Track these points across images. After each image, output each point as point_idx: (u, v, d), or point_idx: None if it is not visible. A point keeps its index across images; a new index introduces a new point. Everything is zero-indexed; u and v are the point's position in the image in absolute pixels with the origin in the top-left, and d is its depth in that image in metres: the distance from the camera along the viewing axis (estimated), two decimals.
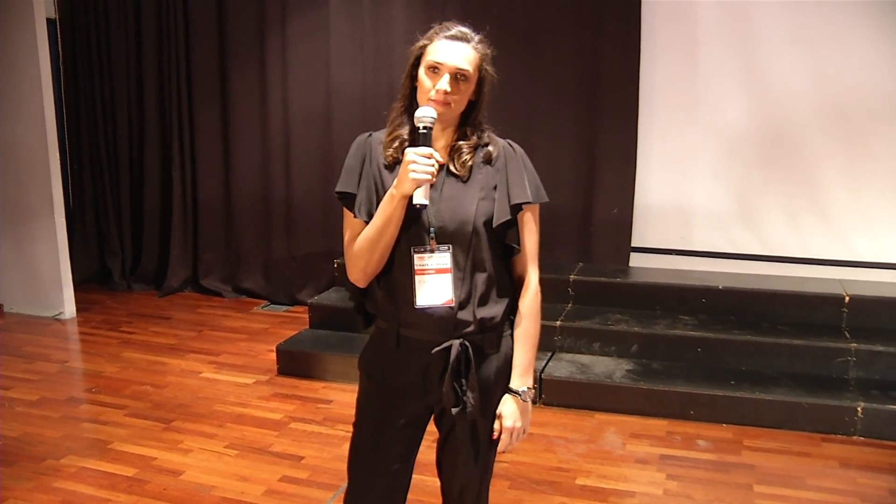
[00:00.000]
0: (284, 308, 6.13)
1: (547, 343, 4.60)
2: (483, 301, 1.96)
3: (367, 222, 1.95)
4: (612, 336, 4.56)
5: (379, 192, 1.96)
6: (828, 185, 5.03)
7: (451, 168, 1.96)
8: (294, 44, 5.95)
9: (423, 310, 1.92)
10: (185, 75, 6.27)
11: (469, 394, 1.95)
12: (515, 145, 2.04)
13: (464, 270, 1.94)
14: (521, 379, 2.02)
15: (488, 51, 1.97)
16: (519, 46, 5.27)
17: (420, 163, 1.82)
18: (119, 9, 6.35)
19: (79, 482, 3.42)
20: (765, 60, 5.03)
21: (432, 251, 1.92)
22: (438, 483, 2.20)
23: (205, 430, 3.96)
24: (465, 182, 1.95)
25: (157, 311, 6.03)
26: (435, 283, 1.92)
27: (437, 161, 1.87)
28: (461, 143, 1.97)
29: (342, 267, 1.99)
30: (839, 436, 3.91)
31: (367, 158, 2.00)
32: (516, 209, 1.96)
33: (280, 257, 6.23)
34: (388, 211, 1.89)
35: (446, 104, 1.89)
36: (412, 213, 1.90)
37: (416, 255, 1.92)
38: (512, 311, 2.04)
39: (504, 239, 1.98)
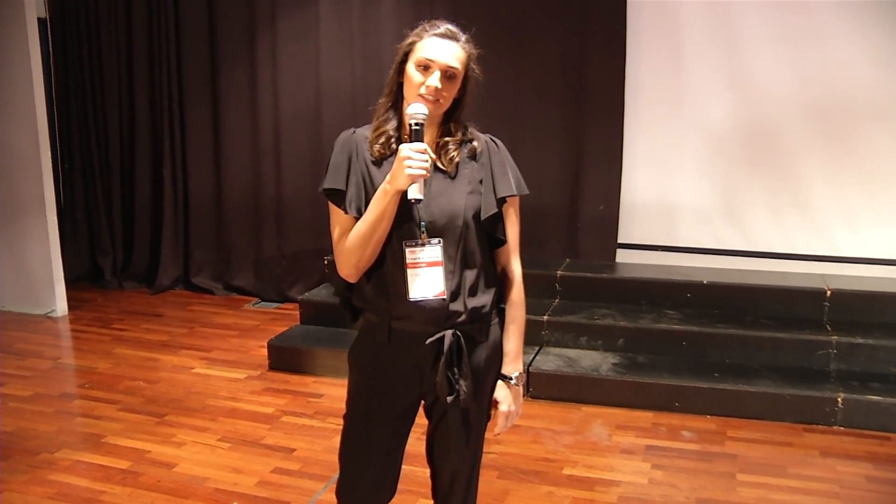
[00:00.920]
0: (275, 305, 6.18)
1: (534, 337, 4.67)
2: (473, 292, 2.02)
3: (357, 218, 1.98)
4: (598, 330, 4.63)
5: (368, 188, 1.99)
6: (810, 182, 5.13)
7: (439, 164, 2.00)
8: (284, 43, 6.01)
9: (417, 303, 1.97)
10: (175, 74, 6.31)
11: (462, 382, 2.00)
12: (497, 140, 2.10)
13: (454, 263, 1.98)
14: (512, 365, 2.09)
15: (475, 50, 2.02)
16: (506, 45, 5.34)
17: (415, 158, 1.85)
18: (110, 8, 6.39)
19: (73, 475, 3.47)
20: (748, 60, 5.12)
21: (423, 245, 1.96)
22: (431, 475, 2.25)
23: (197, 424, 4.02)
24: (452, 178, 2.00)
25: (149, 309, 6.07)
26: (427, 276, 1.96)
27: (431, 157, 1.91)
28: (447, 139, 2.02)
29: (332, 263, 2.03)
30: (820, 426, 4.00)
31: (353, 154, 2.03)
32: (502, 202, 2.02)
33: (270, 255, 6.28)
34: (381, 206, 1.92)
35: (436, 101, 1.94)
36: (403, 209, 1.94)
37: (407, 250, 1.96)
38: (499, 300, 2.11)
39: (492, 231, 2.04)
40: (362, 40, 5.78)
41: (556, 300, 4.97)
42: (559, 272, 5.03)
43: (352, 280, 2.04)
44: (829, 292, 4.58)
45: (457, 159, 2.01)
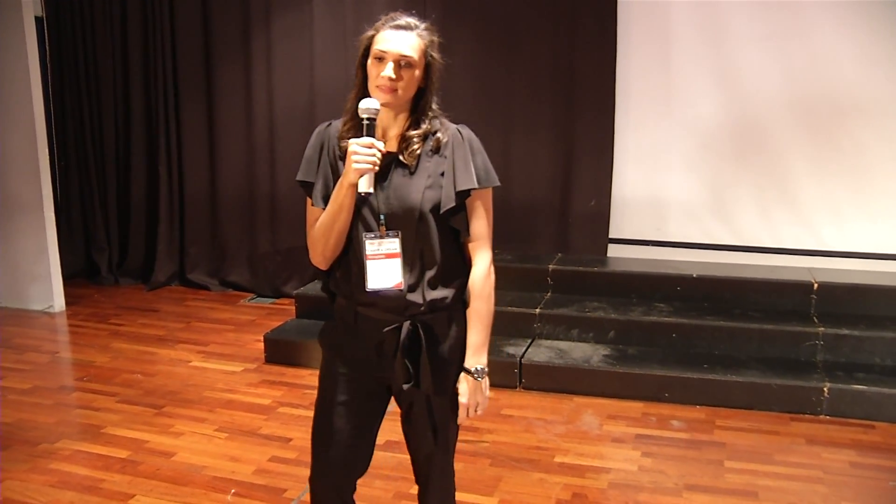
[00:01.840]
0: (270, 301, 6.24)
1: (527, 330, 4.75)
2: (433, 284, 2.05)
3: (324, 209, 2.05)
4: (589, 323, 4.71)
5: (333, 181, 2.05)
6: (797, 177, 5.21)
7: (401, 157, 2.04)
8: (279, 42, 6.06)
9: (375, 293, 2.03)
10: (171, 72, 6.36)
11: (420, 371, 2.05)
12: (465, 130, 2.09)
13: (412, 255, 2.03)
14: (473, 358, 2.09)
15: (434, 38, 2.05)
16: (497, 42, 5.41)
17: (361, 153, 1.91)
18: (105, 6, 6.43)
19: (74, 464, 3.53)
20: (736, 57, 5.21)
21: (381, 237, 2.02)
22: (410, 460, 2.31)
23: (195, 415, 4.08)
24: (412, 171, 2.03)
25: (145, 304, 6.13)
26: (385, 267, 2.02)
27: (380, 150, 1.95)
28: (411, 132, 2.04)
29: None
30: (806, 415, 4.08)
31: (324, 147, 2.10)
32: (463, 195, 2.03)
33: (265, 251, 6.33)
34: (338, 199, 1.99)
35: (392, 91, 1.97)
36: (364, 201, 2.01)
37: (367, 241, 2.02)
38: (465, 292, 2.12)
39: (454, 225, 2.06)
40: (356, 38, 5.80)
41: (548, 294, 5.05)
42: (551, 266, 5.10)
43: (322, 267, 2.12)
44: (816, 285, 4.65)
45: (418, 152, 2.04)
